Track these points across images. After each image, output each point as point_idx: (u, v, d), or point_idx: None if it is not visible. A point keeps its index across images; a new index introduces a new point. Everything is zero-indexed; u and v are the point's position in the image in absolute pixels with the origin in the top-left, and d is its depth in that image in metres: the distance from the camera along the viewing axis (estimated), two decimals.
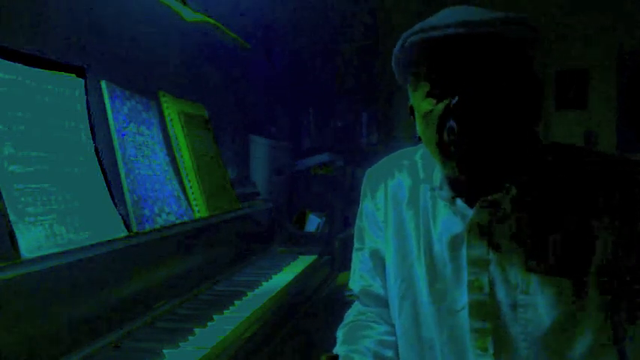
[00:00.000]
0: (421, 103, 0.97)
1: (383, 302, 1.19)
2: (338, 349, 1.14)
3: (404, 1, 3.78)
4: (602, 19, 3.73)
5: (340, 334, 1.19)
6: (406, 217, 1.11)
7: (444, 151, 0.95)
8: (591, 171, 0.98)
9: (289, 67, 3.28)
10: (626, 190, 0.94)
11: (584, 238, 0.95)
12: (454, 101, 0.91)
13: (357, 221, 1.23)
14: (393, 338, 1.16)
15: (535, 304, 0.96)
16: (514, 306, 0.97)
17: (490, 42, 0.90)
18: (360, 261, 1.22)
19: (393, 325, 1.17)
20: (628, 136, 3.77)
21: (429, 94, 0.95)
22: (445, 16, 0.93)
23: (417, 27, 0.94)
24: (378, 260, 1.18)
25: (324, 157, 3.17)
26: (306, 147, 3.64)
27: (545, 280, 0.96)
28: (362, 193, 1.22)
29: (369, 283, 1.20)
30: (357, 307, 1.25)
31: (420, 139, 1.03)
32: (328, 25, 3.60)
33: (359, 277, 1.22)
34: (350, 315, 1.24)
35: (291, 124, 3.48)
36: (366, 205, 1.20)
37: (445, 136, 0.93)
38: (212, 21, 1.91)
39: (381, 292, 1.19)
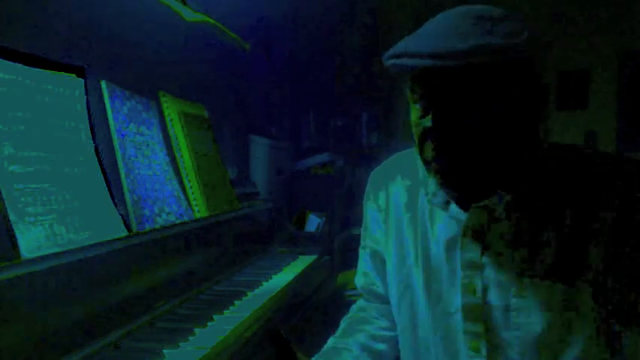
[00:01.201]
0: (412, 109, 0.98)
1: (384, 300, 1.21)
2: (331, 340, 1.19)
3: (404, 1, 3.78)
4: (602, 19, 3.73)
5: (341, 325, 1.24)
6: (405, 219, 1.13)
7: (427, 165, 0.98)
8: (590, 173, 0.96)
9: (289, 67, 3.28)
10: (626, 192, 0.93)
11: (580, 243, 0.94)
12: (428, 123, 0.92)
13: (363, 221, 1.26)
14: (391, 333, 1.19)
15: (528, 307, 0.96)
16: (507, 309, 0.97)
17: (460, 72, 0.88)
18: (363, 259, 1.26)
19: (393, 321, 1.19)
20: (628, 136, 3.77)
21: (415, 102, 0.96)
22: (420, 40, 0.91)
23: (394, 50, 0.93)
24: (378, 261, 1.21)
25: (324, 157, 3.17)
26: (306, 147, 3.64)
27: (539, 285, 0.95)
28: (365, 194, 1.23)
29: (371, 282, 1.24)
30: (360, 302, 1.29)
31: None
32: (328, 25, 3.60)
33: (362, 274, 1.27)
34: (353, 309, 1.28)
35: (291, 124, 3.48)
36: (369, 207, 1.22)
37: (426, 153, 0.95)
38: (212, 21, 1.91)
39: (382, 290, 1.22)
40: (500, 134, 0.91)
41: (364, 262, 1.25)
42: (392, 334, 1.19)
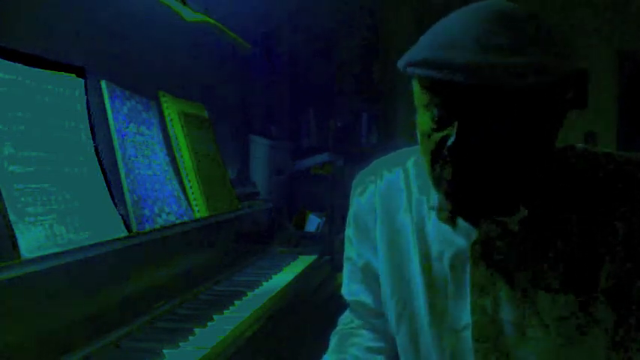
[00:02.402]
0: (423, 113, 0.86)
1: (373, 313, 1.13)
2: (326, 358, 1.11)
3: (404, 1, 3.78)
4: (602, 19, 3.73)
5: (331, 342, 1.15)
6: (400, 228, 1.04)
7: (437, 184, 0.88)
8: (600, 182, 0.92)
9: (289, 67, 3.28)
10: (637, 200, 0.89)
11: (594, 254, 0.91)
12: (450, 142, 0.80)
13: (347, 229, 1.14)
14: (382, 344, 1.12)
15: (544, 323, 0.92)
16: (521, 325, 0.93)
17: (503, 94, 0.78)
18: (350, 271, 1.14)
19: (384, 332, 1.12)
20: (628, 136, 3.78)
21: (429, 110, 0.84)
22: (454, 41, 0.78)
23: (421, 55, 0.81)
24: (369, 273, 1.10)
25: (324, 157, 3.17)
26: (306, 147, 3.64)
27: (554, 298, 0.91)
28: (350, 200, 1.13)
29: (358, 296, 1.13)
30: (347, 314, 1.20)
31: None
32: (328, 25, 3.60)
33: (348, 287, 1.16)
34: (340, 322, 1.19)
35: (291, 124, 3.48)
36: (353, 214, 1.11)
37: (437, 170, 0.85)
38: (212, 21, 1.91)
39: (372, 304, 1.12)
40: (528, 155, 0.83)
41: (351, 273, 1.14)
42: (382, 345, 1.12)
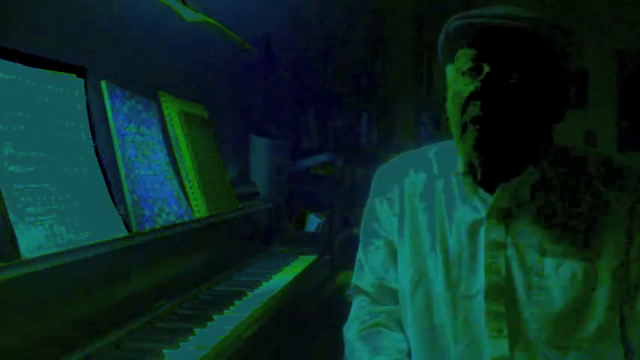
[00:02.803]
0: (455, 81, 1.04)
1: (394, 297, 1.17)
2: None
3: (404, 1, 3.78)
4: (602, 19, 3.73)
5: (358, 342, 1.14)
6: (420, 209, 1.15)
7: (464, 130, 1.02)
8: (611, 161, 1.07)
9: (289, 67, 3.28)
10: None
11: (600, 222, 1.01)
12: (480, 83, 0.98)
13: (366, 219, 1.24)
14: (404, 346, 1.13)
15: (548, 286, 1.01)
16: (529, 287, 1.02)
17: (524, 36, 0.98)
18: (372, 255, 1.22)
19: (398, 324, 1.16)
20: (628, 136, 3.78)
21: (463, 74, 1.02)
22: (489, 9, 1.01)
23: (463, 14, 1.02)
24: (390, 251, 1.19)
25: (324, 157, 3.17)
26: (306, 147, 3.64)
27: (559, 264, 1.01)
28: (373, 191, 1.24)
29: (381, 276, 1.19)
30: (365, 308, 1.21)
31: (447, 120, 1.09)
32: (328, 25, 3.60)
33: (369, 271, 1.21)
34: (359, 317, 1.19)
35: (291, 124, 3.48)
36: (377, 203, 1.21)
37: (467, 116, 1.01)
38: (212, 21, 1.91)
39: (394, 285, 1.18)
40: (540, 108, 1.00)
41: (373, 256, 1.21)
42: (406, 345, 1.14)
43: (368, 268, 1.22)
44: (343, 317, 1.25)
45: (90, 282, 1.13)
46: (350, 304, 1.27)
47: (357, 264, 1.26)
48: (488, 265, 1.05)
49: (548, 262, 1.02)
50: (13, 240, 0.99)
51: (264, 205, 2.30)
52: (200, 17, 1.83)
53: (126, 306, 1.24)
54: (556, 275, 1.01)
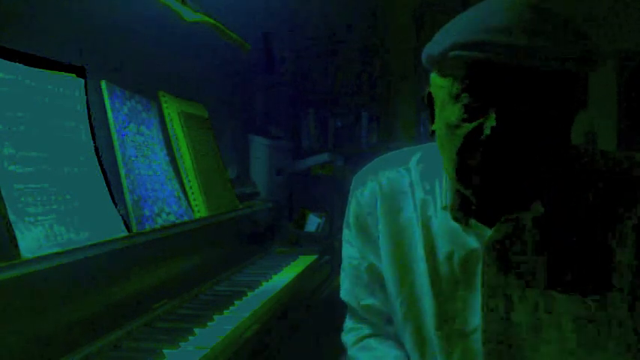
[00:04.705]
0: (449, 105, 0.84)
1: (384, 317, 1.09)
2: None
3: (404, 1, 3.78)
4: (602, 19, 3.73)
5: (361, 356, 1.09)
6: (404, 229, 1.01)
7: (462, 176, 0.86)
8: (613, 179, 0.92)
9: (289, 67, 3.28)
10: None
11: (608, 250, 0.89)
12: (487, 130, 0.79)
13: (344, 230, 1.12)
14: (401, 352, 1.07)
15: (559, 323, 0.90)
16: (536, 326, 0.91)
17: (553, 77, 0.79)
18: (352, 275, 1.11)
19: (393, 338, 1.09)
20: (628, 136, 3.77)
21: (460, 101, 0.83)
22: (506, 26, 0.78)
23: (470, 37, 0.79)
24: (374, 275, 1.07)
25: (324, 157, 3.17)
26: (306, 147, 3.64)
27: (570, 299, 0.90)
28: (349, 199, 1.10)
29: (366, 301, 1.10)
30: (351, 325, 1.15)
31: (433, 133, 0.93)
32: (328, 25, 3.60)
33: (352, 291, 1.12)
34: (348, 336, 1.14)
35: (291, 124, 3.48)
36: (353, 214, 1.08)
37: (467, 161, 0.83)
38: (212, 21, 1.91)
39: (382, 308, 1.08)
40: (556, 144, 0.83)
41: (356, 279, 1.10)
42: (404, 353, 1.07)
43: (351, 289, 1.12)
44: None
45: (90, 282, 1.13)
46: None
47: (341, 277, 1.15)
48: (485, 303, 0.93)
49: (557, 297, 0.90)
50: (13, 240, 0.99)
51: (264, 205, 2.30)
52: (200, 17, 1.83)
53: (126, 306, 1.24)
54: (567, 311, 0.89)
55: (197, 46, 2.06)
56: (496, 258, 0.92)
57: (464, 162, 0.84)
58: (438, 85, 0.88)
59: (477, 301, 0.94)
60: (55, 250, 1.07)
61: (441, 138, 0.88)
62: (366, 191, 1.06)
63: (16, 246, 0.99)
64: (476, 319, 0.94)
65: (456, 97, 0.83)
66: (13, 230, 0.99)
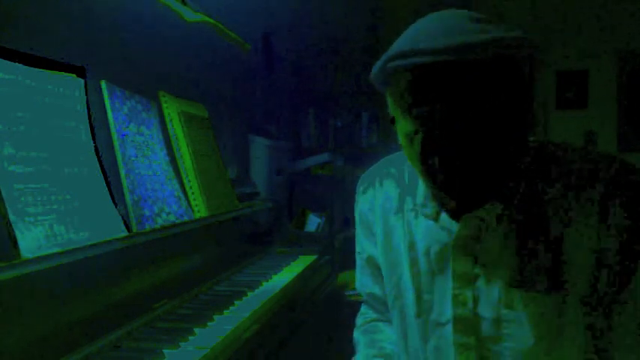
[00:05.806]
0: (402, 120, 0.92)
1: (385, 305, 1.18)
2: (362, 352, 1.16)
3: (404, 1, 3.78)
4: (601, 19, 3.73)
5: (359, 339, 1.21)
6: (393, 227, 1.10)
7: (430, 178, 0.92)
8: (575, 177, 0.94)
9: (289, 67, 3.28)
10: (609, 194, 0.90)
11: (568, 251, 0.92)
12: (435, 133, 0.87)
13: (355, 225, 1.23)
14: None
15: (519, 319, 0.94)
16: (498, 321, 0.96)
17: (482, 67, 0.84)
18: (359, 265, 1.24)
19: None
20: (628, 136, 3.77)
21: (411, 113, 0.89)
22: (430, 35, 0.86)
23: (400, 49, 0.88)
24: (374, 267, 1.18)
25: (324, 157, 3.17)
26: (306, 147, 3.64)
27: (530, 296, 0.94)
28: (355, 199, 1.21)
29: (370, 288, 1.22)
30: (363, 309, 1.28)
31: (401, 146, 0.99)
32: (328, 25, 3.60)
33: (360, 280, 1.24)
34: (358, 319, 1.26)
35: (291, 124, 3.48)
36: (358, 211, 1.20)
37: (429, 164, 0.90)
38: (212, 21, 1.91)
39: (382, 296, 1.19)
40: (505, 136, 0.88)
41: (361, 268, 1.23)
42: None
43: (359, 278, 1.24)
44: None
45: (90, 282, 1.13)
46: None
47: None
48: (455, 296, 0.99)
49: (518, 294, 0.94)
50: (13, 240, 0.99)
51: (264, 205, 2.30)
52: (200, 17, 1.83)
53: (126, 306, 1.24)
54: (526, 308, 0.93)
55: (197, 46, 2.06)
56: (463, 251, 0.98)
57: (427, 165, 0.91)
58: (391, 103, 0.96)
59: (449, 294, 1.01)
60: (55, 250, 1.07)
61: (406, 148, 0.95)
62: (367, 191, 1.17)
63: (16, 246, 0.99)
64: (448, 311, 1.01)
65: (406, 110, 0.90)
66: (13, 230, 0.99)
